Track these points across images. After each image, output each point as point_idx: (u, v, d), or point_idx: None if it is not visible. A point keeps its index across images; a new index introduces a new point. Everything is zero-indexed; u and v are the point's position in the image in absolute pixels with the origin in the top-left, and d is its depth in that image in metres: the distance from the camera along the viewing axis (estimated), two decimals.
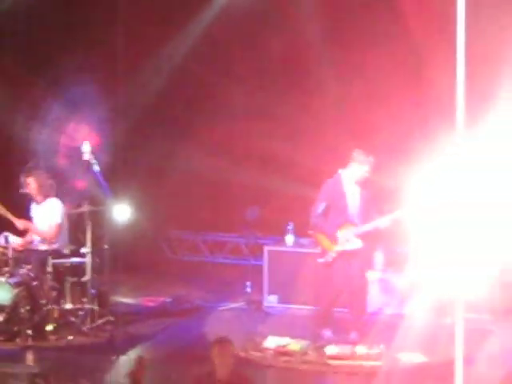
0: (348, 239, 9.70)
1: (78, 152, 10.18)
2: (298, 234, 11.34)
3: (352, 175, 9.62)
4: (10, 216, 10.52)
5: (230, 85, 12.50)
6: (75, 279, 10.26)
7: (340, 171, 9.71)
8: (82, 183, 10.81)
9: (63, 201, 10.49)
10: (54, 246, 10.28)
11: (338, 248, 9.63)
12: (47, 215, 10.31)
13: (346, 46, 11.91)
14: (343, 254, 9.71)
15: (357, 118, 11.97)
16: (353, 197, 9.77)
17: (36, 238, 10.43)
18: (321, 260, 9.86)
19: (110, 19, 11.97)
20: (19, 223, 10.52)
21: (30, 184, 10.28)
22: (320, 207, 9.54)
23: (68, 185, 11.04)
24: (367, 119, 11.81)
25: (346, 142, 10.55)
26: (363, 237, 9.94)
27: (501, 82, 10.13)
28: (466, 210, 4.72)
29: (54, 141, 12.00)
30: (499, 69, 10.33)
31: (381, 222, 9.65)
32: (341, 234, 9.64)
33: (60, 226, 10.29)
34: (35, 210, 10.42)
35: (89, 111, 12.13)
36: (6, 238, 10.12)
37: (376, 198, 10.15)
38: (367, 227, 9.70)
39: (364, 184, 9.77)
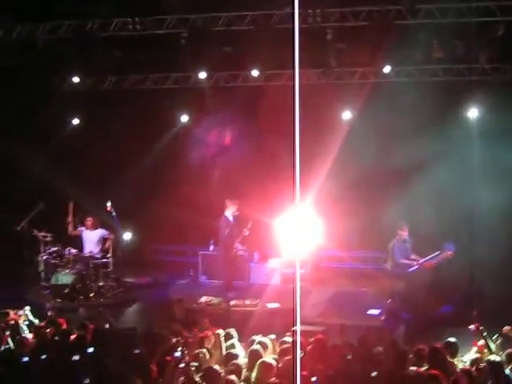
0: (239, 246, 14.44)
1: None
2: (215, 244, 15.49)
3: (230, 212, 14.37)
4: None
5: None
6: (104, 270, 14.18)
7: (226, 211, 14.32)
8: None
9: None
10: (95, 254, 14.35)
11: (237, 251, 14.35)
12: (94, 238, 14.54)
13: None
14: (237, 253, 14.41)
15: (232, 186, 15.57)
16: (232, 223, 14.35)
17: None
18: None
19: None
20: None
21: (88, 222, 14.69)
22: (226, 231, 14.23)
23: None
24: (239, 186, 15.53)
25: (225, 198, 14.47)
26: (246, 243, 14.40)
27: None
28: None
29: None
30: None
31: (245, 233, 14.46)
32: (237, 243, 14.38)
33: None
34: (89, 234, 14.60)
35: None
36: (69, 250, 14.47)
37: (242, 222, 14.58)
38: (242, 235, 14.29)
39: (235, 216, 14.42)
